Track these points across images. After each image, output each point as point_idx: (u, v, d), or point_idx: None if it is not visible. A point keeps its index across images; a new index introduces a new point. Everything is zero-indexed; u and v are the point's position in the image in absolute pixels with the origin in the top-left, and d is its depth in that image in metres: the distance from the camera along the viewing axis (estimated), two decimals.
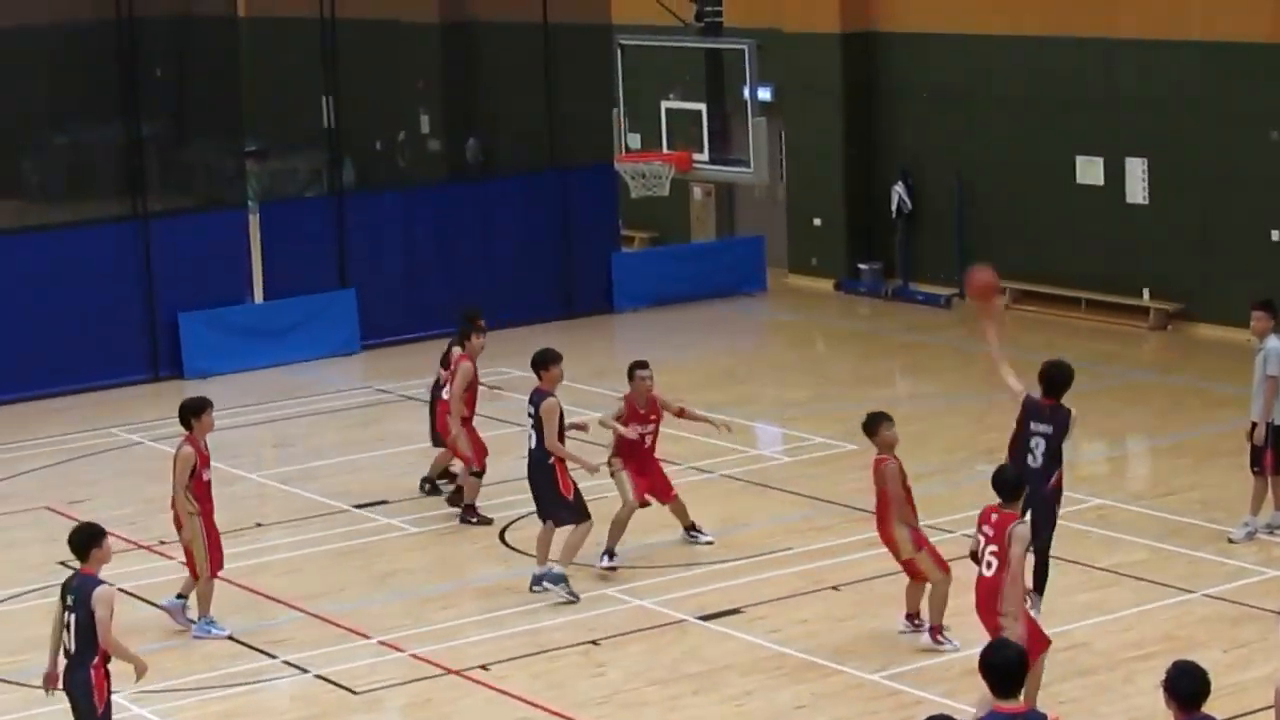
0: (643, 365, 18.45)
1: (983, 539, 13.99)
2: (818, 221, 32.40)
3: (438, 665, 16.13)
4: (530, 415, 17.73)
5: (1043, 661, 14.10)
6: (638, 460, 18.32)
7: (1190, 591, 17.20)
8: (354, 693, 15.67)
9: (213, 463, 17.14)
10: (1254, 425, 18.33)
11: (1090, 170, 28.91)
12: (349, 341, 28.36)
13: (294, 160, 37.94)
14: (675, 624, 16.88)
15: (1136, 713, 14.60)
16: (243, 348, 27.32)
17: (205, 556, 16.81)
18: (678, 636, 16.59)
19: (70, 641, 12.87)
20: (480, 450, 20.02)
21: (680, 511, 18.87)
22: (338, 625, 17.19)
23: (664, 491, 18.67)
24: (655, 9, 27.62)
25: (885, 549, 16.32)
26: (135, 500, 21.20)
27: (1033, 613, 14.68)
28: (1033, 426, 16.00)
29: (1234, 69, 27.07)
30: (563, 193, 30.29)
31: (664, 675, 15.76)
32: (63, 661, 13.00)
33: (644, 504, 18.40)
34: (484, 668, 16.00)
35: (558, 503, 17.61)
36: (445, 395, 20.08)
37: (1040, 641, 14.05)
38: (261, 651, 16.64)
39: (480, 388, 20.46)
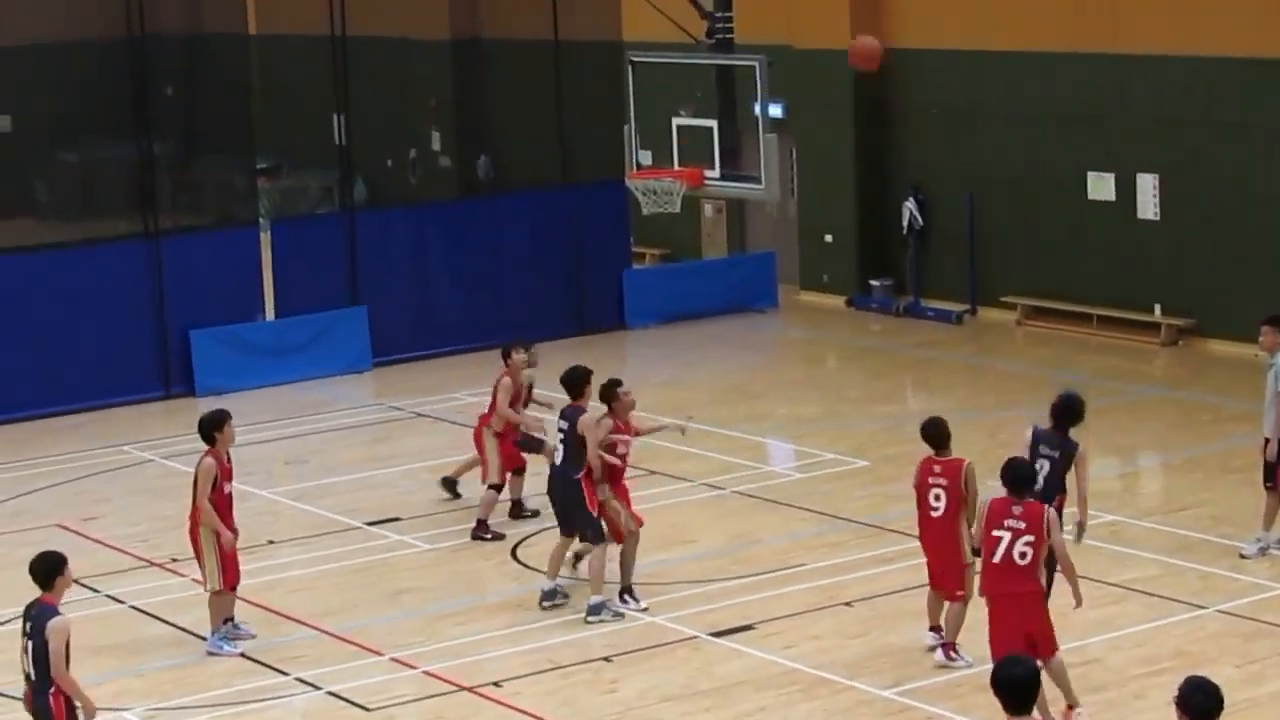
0: (619, 383, 18.23)
1: (1008, 534, 14.06)
2: (829, 238, 32.39)
3: (450, 682, 16.11)
4: (561, 431, 17.66)
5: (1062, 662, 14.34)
6: (616, 480, 17.94)
7: (1203, 607, 17.17)
8: (366, 709, 15.65)
9: None
10: (1266, 441, 18.32)
11: (1101, 186, 28.88)
12: (360, 359, 28.35)
13: (305, 178, 38.00)
14: (688, 640, 16.85)
15: None
16: (254, 365, 27.31)
17: (216, 567, 16.78)
18: (690, 653, 16.57)
19: (29, 668, 12.76)
20: (505, 467, 20.07)
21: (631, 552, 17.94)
22: (350, 642, 17.18)
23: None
24: (666, 26, 27.65)
25: (921, 559, 16.22)
26: (147, 518, 21.21)
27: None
28: (1042, 449, 16.07)
29: (1245, 85, 27.04)
30: (574, 210, 30.27)
31: (677, 692, 15.75)
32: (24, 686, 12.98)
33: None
34: (497, 684, 15.98)
35: (586, 519, 17.50)
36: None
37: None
38: (274, 669, 16.62)
39: (533, 403, 20.53)
